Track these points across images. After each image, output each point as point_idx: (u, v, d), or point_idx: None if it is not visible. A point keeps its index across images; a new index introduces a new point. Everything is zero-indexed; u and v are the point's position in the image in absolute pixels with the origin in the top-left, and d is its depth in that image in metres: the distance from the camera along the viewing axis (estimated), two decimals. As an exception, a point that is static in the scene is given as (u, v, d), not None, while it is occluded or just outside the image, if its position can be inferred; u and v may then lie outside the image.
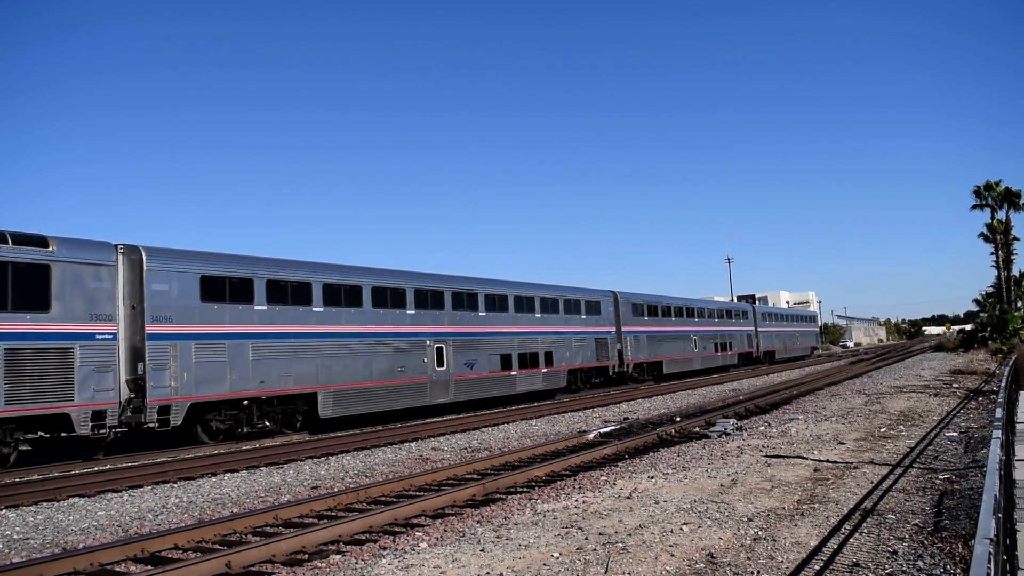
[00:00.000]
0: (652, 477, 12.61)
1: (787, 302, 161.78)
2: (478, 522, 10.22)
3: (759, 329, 63.70)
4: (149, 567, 8.93)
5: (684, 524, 9.01)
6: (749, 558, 7.56)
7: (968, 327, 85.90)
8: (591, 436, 19.40)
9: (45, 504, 14.06)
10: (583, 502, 10.82)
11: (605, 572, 7.20)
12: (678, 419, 22.12)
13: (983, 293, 78.23)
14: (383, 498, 12.66)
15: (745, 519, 9.21)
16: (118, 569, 9.08)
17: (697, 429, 19.46)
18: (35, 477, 17.29)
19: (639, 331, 43.60)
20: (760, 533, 8.52)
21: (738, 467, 13.05)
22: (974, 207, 70.88)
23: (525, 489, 12.78)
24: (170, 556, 9.53)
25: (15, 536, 11.54)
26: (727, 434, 18.15)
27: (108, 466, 18.83)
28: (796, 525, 8.84)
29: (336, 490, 13.60)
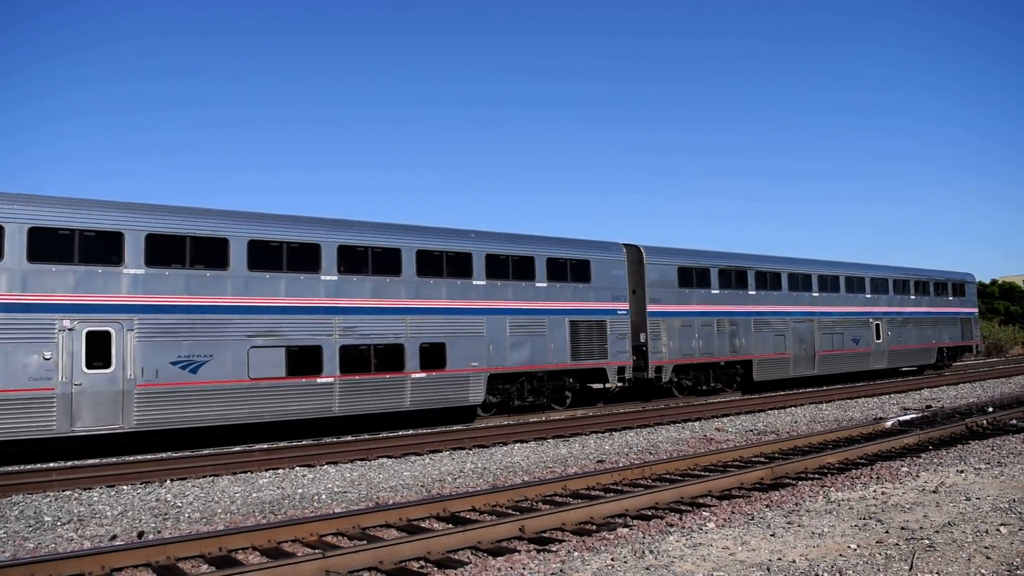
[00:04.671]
0: (962, 471, 11.59)
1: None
2: (767, 506, 9.96)
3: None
4: (450, 525, 9.62)
5: (1001, 525, 8.20)
6: (1083, 568, 6.74)
7: None
8: (889, 424, 18.19)
9: (359, 462, 15.58)
10: (882, 493, 10.18)
11: (910, 569, 6.75)
12: (991, 410, 20.13)
13: None
14: (668, 475, 12.71)
15: (1077, 525, 8.21)
16: (423, 525, 9.87)
17: (1015, 422, 17.59)
18: (349, 438, 19.21)
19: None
20: (1096, 541, 7.56)
21: (1067, 466, 11.65)
22: None
23: (816, 476, 12.26)
24: (468, 517, 10.20)
25: (335, 489, 12.91)
26: (1052, 429, 16.24)
27: (411, 431, 20.53)
28: None
29: (621, 465, 13.85)
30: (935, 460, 12.99)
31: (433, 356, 21.29)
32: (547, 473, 13.78)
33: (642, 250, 27.44)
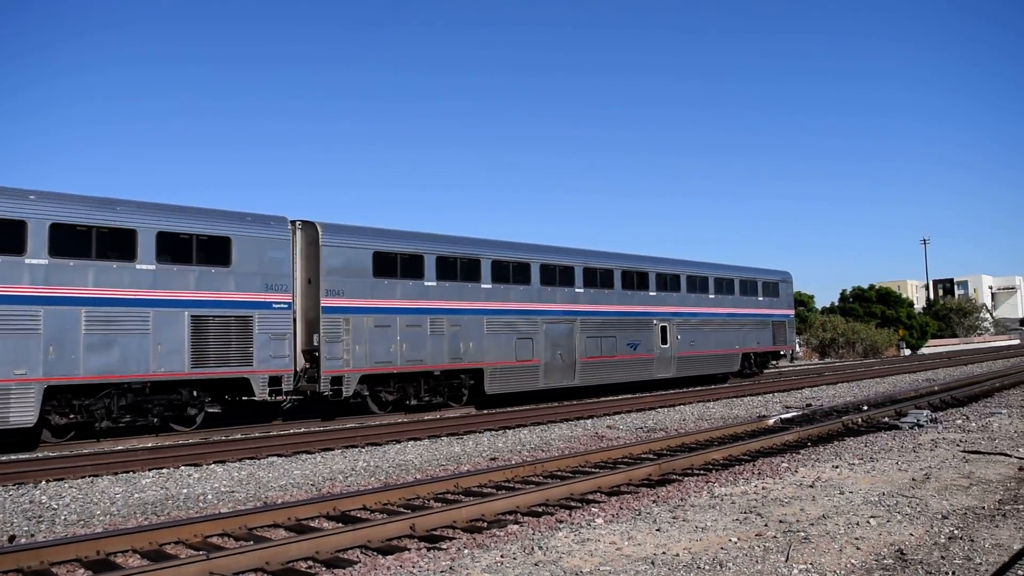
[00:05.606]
0: (837, 467, 12.15)
1: (990, 287, 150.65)
2: (654, 502, 10.22)
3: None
4: (340, 524, 9.50)
5: (871, 517, 8.64)
6: (943, 557, 7.16)
7: None
8: (771, 421, 18.88)
9: (248, 461, 15.22)
10: (763, 488, 10.58)
11: (786, 560, 7.04)
12: (865, 408, 21.13)
13: None
14: (559, 472, 12.86)
15: (939, 516, 8.72)
16: (313, 524, 9.72)
17: (886, 419, 18.51)
18: (239, 436, 18.75)
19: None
20: (956, 532, 8.04)
21: (932, 461, 12.34)
22: None
23: (702, 472, 12.63)
24: (359, 516, 10.10)
25: (222, 489, 12.58)
26: (920, 426, 17.17)
27: (303, 429, 20.16)
28: (997, 526, 8.28)
29: (514, 462, 13.94)
30: (813, 456, 13.57)
31: None
32: (440, 471, 13.76)
33: (319, 228, 21.44)
